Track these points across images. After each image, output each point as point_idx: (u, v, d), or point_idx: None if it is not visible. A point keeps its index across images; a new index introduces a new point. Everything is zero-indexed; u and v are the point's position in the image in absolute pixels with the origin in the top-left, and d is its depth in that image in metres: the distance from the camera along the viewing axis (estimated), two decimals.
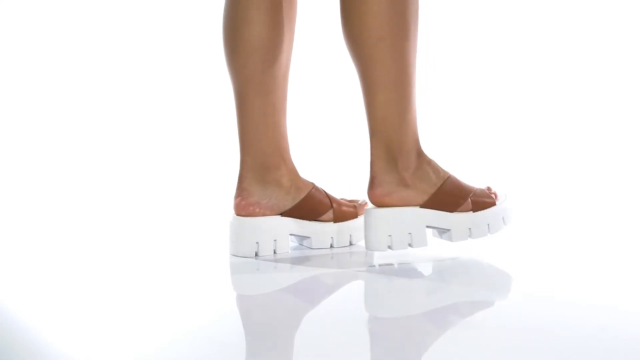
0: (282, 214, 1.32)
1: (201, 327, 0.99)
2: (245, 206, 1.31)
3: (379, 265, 1.25)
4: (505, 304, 1.09)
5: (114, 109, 2.56)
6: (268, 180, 1.32)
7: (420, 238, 1.26)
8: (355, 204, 1.39)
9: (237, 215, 1.32)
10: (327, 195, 1.36)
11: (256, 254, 1.30)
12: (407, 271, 1.22)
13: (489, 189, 1.32)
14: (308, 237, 1.34)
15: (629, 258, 1.31)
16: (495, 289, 1.16)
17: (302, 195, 1.33)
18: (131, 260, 1.36)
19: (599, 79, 2.33)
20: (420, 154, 1.27)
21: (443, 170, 1.29)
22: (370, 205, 1.28)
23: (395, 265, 1.24)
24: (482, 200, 1.29)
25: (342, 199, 1.39)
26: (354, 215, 1.37)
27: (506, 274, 1.25)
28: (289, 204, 1.32)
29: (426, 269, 1.23)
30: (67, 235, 1.57)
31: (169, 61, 2.61)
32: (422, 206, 1.26)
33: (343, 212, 1.36)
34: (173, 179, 2.16)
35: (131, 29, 2.62)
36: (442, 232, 1.28)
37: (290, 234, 1.33)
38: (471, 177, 1.36)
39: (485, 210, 1.28)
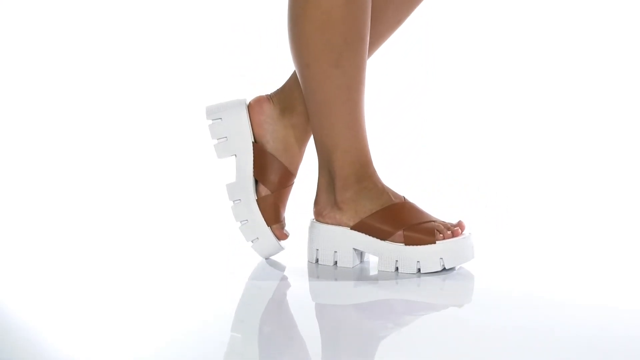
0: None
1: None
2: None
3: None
4: (510, 306, 1.09)
5: (113, 108, 2.55)
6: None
7: (346, 258, 1.24)
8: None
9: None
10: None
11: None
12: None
13: (459, 224, 1.23)
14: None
15: (627, 258, 1.31)
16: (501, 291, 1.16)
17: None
18: (138, 260, 1.35)
19: (602, 79, 2.33)
20: (362, 179, 1.24)
21: (390, 197, 1.24)
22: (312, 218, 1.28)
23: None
24: (415, 236, 1.21)
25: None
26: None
27: (507, 275, 1.25)
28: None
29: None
30: (79, 235, 1.57)
31: (168, 61, 2.61)
32: (352, 228, 1.24)
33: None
34: (174, 179, 2.16)
35: (131, 29, 2.62)
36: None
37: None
38: (469, 181, 1.33)
39: (418, 247, 1.21)
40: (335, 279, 1.21)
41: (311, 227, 1.27)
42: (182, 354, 0.90)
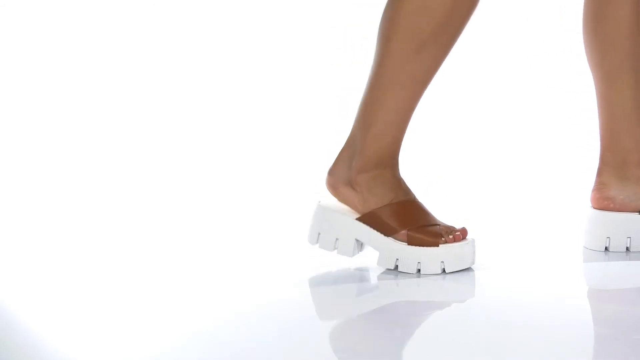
0: None
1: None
2: (600, 199, 1.30)
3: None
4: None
5: (113, 108, 2.55)
6: (627, 176, 1.31)
7: (346, 247, 1.24)
8: None
9: (594, 208, 1.31)
10: None
11: (606, 249, 1.29)
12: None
13: (462, 230, 1.23)
14: None
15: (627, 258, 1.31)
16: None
17: None
18: (136, 259, 1.35)
19: None
20: (383, 165, 1.24)
21: (403, 193, 1.24)
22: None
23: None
24: (419, 237, 1.21)
25: None
26: None
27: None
28: None
29: None
30: (79, 235, 1.56)
31: (168, 61, 2.60)
32: (358, 219, 1.23)
33: None
34: (174, 179, 2.16)
35: (131, 28, 2.62)
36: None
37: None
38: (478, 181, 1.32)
39: (419, 248, 1.21)
40: (336, 283, 1.20)
41: (318, 209, 1.25)
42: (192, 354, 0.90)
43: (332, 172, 1.26)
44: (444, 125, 2.32)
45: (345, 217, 1.24)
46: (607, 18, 1.28)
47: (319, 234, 1.25)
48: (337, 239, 1.24)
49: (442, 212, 1.29)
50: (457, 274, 1.20)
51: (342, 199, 1.25)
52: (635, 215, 1.29)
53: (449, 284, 1.18)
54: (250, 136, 2.15)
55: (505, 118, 2.32)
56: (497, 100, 2.38)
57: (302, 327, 1.04)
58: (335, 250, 1.24)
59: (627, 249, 1.29)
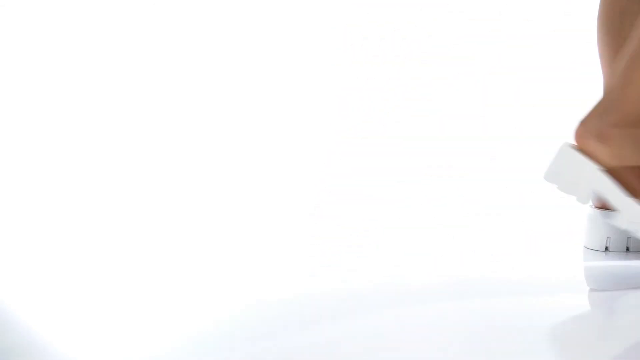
0: None
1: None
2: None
3: None
4: None
5: (113, 108, 2.55)
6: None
7: (584, 194, 1.19)
8: None
9: (594, 204, 1.29)
10: None
11: (606, 248, 1.28)
12: None
13: None
14: None
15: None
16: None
17: None
18: (136, 259, 1.35)
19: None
20: (638, 124, 1.18)
21: None
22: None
23: None
24: None
25: None
26: None
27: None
28: None
29: None
30: (79, 235, 1.56)
31: (168, 61, 2.61)
32: (602, 170, 1.18)
33: None
34: (174, 179, 2.16)
35: (131, 28, 2.62)
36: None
37: None
38: None
39: None
40: (336, 283, 1.21)
41: (565, 148, 1.20)
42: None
43: (583, 122, 1.20)
44: (444, 125, 2.33)
45: (591, 164, 1.18)
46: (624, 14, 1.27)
47: (558, 174, 1.20)
48: (574, 184, 1.20)
49: (442, 211, 1.29)
50: (455, 274, 1.20)
51: (589, 149, 1.19)
52: None
53: (448, 283, 1.18)
54: (250, 136, 2.15)
55: (505, 117, 2.32)
56: (497, 100, 2.38)
57: (302, 328, 1.04)
58: (570, 194, 1.20)
59: (627, 248, 1.29)
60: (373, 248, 1.34)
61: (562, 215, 1.62)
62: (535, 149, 2.18)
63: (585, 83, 2.34)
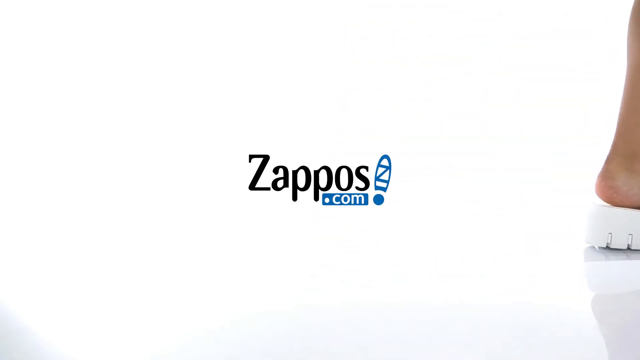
0: None
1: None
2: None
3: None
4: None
5: (113, 108, 2.55)
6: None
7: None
8: None
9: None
10: None
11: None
12: None
13: None
14: None
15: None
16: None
17: None
18: (136, 259, 1.35)
19: (603, 79, 2.33)
20: None
21: None
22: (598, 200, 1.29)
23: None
24: None
25: None
26: None
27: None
28: None
29: None
30: (80, 235, 1.56)
31: (168, 61, 2.60)
32: None
33: None
34: (175, 179, 2.16)
35: (131, 28, 2.62)
36: None
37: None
38: None
39: None
40: (336, 283, 1.20)
41: (598, 210, 1.28)
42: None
43: (605, 176, 1.28)
44: (444, 125, 2.32)
45: (635, 212, 1.25)
46: None
47: (610, 234, 1.27)
48: (630, 235, 1.26)
49: (442, 211, 1.29)
50: (455, 274, 1.20)
51: (620, 199, 1.27)
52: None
53: (448, 283, 1.17)
54: (250, 136, 2.15)
55: (505, 117, 2.31)
56: (497, 100, 2.38)
57: (302, 327, 1.04)
58: (629, 248, 1.27)
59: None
60: (373, 248, 1.34)
61: (562, 215, 1.62)
62: (535, 149, 2.18)
63: (586, 83, 2.34)
